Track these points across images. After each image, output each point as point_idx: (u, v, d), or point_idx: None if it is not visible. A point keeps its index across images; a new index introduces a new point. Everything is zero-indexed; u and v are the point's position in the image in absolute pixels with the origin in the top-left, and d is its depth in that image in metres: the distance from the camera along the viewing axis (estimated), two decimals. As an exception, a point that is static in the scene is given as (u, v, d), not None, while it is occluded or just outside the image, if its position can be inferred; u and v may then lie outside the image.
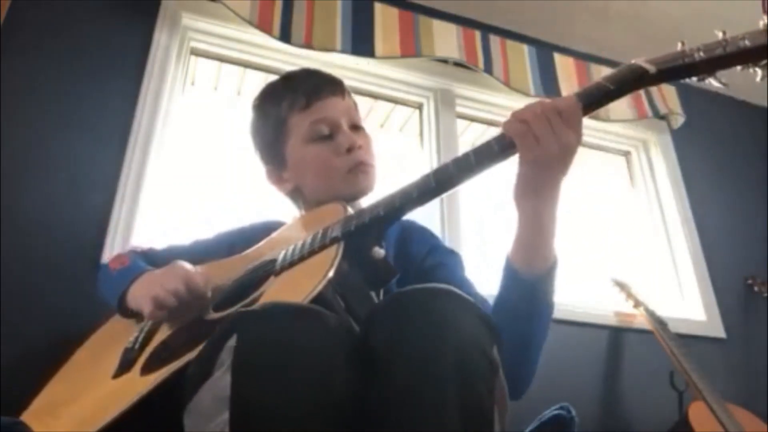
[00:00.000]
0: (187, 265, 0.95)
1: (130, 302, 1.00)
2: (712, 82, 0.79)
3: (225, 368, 0.59)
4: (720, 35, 0.76)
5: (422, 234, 1.12)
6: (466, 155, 0.81)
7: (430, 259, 1.06)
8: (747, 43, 0.74)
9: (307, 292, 0.71)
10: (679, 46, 0.78)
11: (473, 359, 0.61)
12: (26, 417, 0.96)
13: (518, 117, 0.79)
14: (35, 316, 1.38)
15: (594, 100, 0.79)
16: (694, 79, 0.79)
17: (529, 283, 0.83)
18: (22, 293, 1.41)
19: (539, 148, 0.76)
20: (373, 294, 0.84)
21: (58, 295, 1.41)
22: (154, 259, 1.14)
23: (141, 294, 0.96)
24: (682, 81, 0.80)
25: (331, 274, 0.74)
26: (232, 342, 0.60)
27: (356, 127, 1.10)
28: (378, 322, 0.66)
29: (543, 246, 0.83)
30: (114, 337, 1.03)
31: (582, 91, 0.81)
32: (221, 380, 0.59)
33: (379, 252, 0.82)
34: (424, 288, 0.67)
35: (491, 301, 0.96)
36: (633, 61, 0.81)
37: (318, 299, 0.71)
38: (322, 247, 0.83)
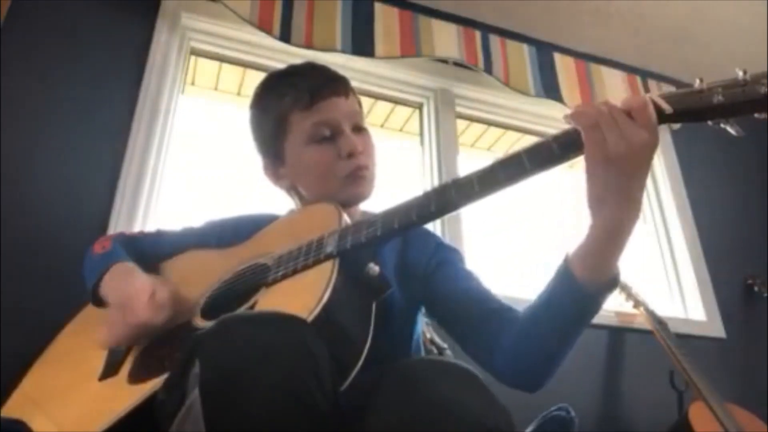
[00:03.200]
0: (144, 297, 0.89)
1: (102, 294, 0.99)
2: (729, 129, 0.73)
3: (195, 397, 0.59)
4: (740, 74, 0.69)
5: (422, 236, 1.10)
6: (469, 180, 0.77)
7: (435, 258, 1.05)
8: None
9: (303, 316, 0.70)
10: (697, 83, 0.72)
11: None
12: (11, 405, 0.97)
13: (584, 109, 0.71)
14: (35, 315, 1.38)
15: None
16: (709, 123, 0.73)
17: (585, 292, 0.77)
18: (23, 293, 1.42)
19: (607, 147, 0.69)
20: (364, 305, 0.82)
21: (57, 295, 1.40)
22: (142, 246, 1.13)
23: (114, 295, 0.95)
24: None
25: (327, 296, 0.73)
26: (196, 369, 0.60)
27: (359, 129, 1.08)
28: (382, 406, 0.64)
29: (610, 256, 0.76)
30: (100, 323, 1.02)
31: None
32: (194, 409, 0.59)
33: (374, 269, 0.81)
34: (444, 387, 0.63)
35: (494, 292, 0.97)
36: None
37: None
38: (317, 261, 0.82)
